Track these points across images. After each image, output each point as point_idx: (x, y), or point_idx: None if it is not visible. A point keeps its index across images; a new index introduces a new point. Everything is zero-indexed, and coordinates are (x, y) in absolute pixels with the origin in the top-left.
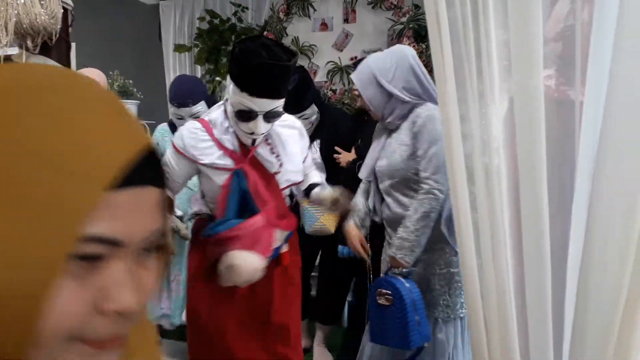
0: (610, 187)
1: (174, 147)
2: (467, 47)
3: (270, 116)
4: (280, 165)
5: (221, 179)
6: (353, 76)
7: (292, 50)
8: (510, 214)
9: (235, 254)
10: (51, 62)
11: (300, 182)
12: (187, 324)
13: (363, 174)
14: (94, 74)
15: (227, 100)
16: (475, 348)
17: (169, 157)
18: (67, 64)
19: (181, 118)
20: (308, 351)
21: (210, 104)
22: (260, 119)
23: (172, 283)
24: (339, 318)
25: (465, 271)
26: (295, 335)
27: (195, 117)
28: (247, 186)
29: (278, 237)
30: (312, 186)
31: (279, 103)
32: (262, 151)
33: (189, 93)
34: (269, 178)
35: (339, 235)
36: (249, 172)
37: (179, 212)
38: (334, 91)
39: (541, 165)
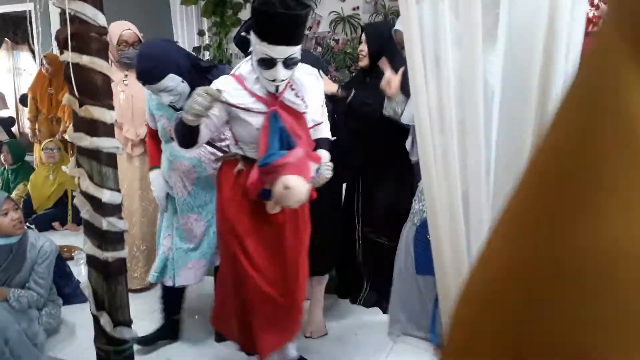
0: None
1: None
2: None
3: (289, 63)
4: (306, 106)
5: (258, 121)
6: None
7: (304, 1)
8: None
9: (290, 177)
10: (89, 8)
11: (322, 123)
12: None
13: (406, 119)
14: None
15: (252, 52)
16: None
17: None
18: (101, 9)
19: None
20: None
21: (185, 70)
22: (280, 65)
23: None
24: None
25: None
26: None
27: (167, 91)
28: (284, 125)
29: (313, 167)
30: (319, 141)
31: (296, 49)
32: (289, 95)
33: (149, 71)
34: (298, 118)
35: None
36: (282, 113)
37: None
38: (337, 41)
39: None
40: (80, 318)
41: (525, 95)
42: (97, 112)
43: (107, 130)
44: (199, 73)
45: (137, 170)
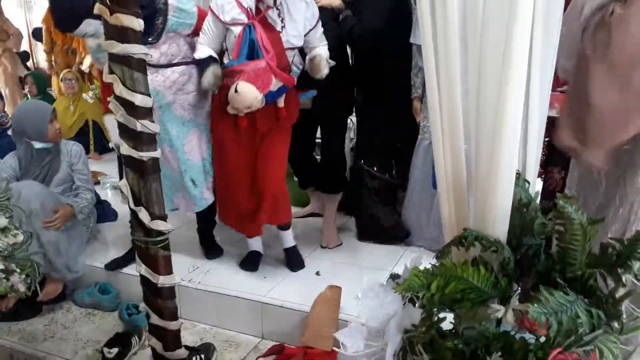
0: None
1: (212, 11)
2: None
3: None
4: (283, 27)
5: (237, 30)
6: None
7: None
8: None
9: (242, 83)
10: None
11: (299, 47)
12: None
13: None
14: None
15: None
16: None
17: (208, 22)
18: None
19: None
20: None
21: None
22: None
23: None
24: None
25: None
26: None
27: (89, 36)
28: (256, 38)
29: (274, 82)
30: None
31: None
32: (271, 13)
33: (62, 19)
34: (274, 36)
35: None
36: (257, 27)
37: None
38: None
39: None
40: (110, 235)
41: None
42: (127, 20)
43: (136, 37)
44: None
45: None
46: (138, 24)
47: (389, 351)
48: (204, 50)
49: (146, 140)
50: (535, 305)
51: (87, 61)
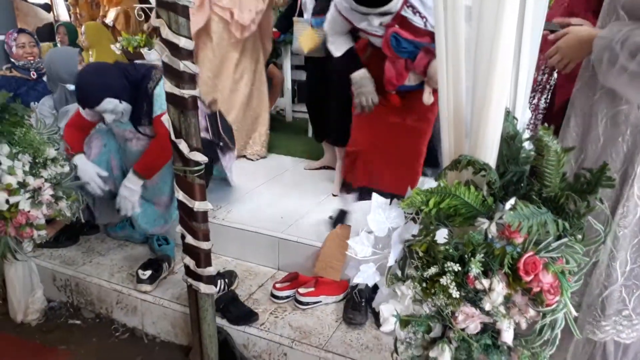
0: None
1: (336, 8)
2: None
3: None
4: (425, 21)
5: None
6: None
7: None
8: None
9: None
10: None
11: None
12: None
13: None
14: None
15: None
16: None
17: (332, 15)
18: None
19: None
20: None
21: (122, 91)
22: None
23: None
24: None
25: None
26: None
27: (107, 112)
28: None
29: (412, 77)
30: None
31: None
32: (405, 13)
33: (85, 98)
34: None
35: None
36: (402, 33)
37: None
38: None
39: None
40: None
41: None
42: None
43: None
44: (136, 86)
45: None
46: None
47: (392, 256)
48: (341, 44)
49: (187, 80)
50: (512, 212)
51: (112, 14)
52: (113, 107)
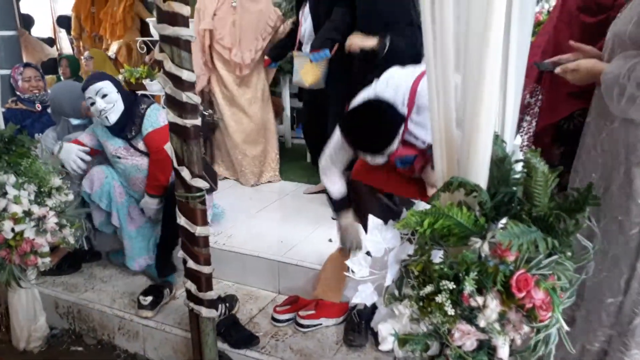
0: None
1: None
2: None
3: None
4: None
5: None
6: None
7: None
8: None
9: None
10: None
11: None
12: None
13: None
14: None
15: None
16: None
17: (337, 141)
18: None
19: (90, 97)
20: None
21: (119, 87)
22: None
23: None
24: None
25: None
26: None
27: (102, 96)
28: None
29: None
30: None
31: None
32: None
33: (95, 76)
34: None
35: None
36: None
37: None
38: None
39: None
40: None
41: None
42: (177, 6)
43: (184, 21)
44: (130, 103)
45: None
46: (186, 10)
47: (389, 276)
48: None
49: (190, 110)
50: (502, 231)
51: (114, 47)
52: (109, 92)
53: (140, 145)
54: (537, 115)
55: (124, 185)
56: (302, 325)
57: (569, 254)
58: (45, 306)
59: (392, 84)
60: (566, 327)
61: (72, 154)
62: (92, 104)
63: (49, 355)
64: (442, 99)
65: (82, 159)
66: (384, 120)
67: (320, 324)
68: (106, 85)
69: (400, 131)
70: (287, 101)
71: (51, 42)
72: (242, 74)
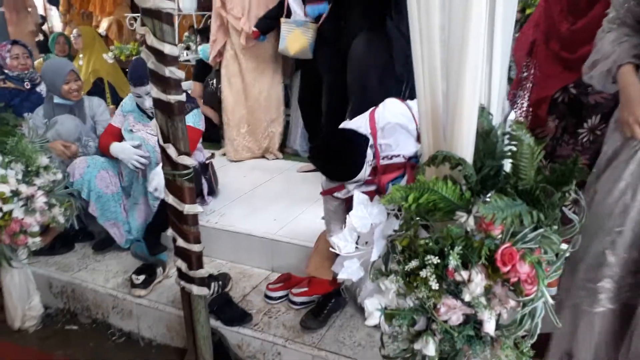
0: None
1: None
2: None
3: None
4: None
5: None
6: None
7: None
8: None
9: None
10: None
11: None
12: None
13: None
14: None
15: None
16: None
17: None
18: None
19: (139, 96)
20: None
21: None
22: None
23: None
24: None
25: None
26: None
27: (150, 97)
28: None
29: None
30: None
31: None
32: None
33: (140, 75)
34: None
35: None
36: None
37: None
38: None
39: None
40: None
41: None
42: None
43: None
44: None
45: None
46: None
47: (375, 252)
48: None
49: (173, 85)
50: (486, 205)
51: (104, 24)
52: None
53: None
54: (530, 90)
55: (116, 171)
56: (294, 303)
57: (555, 227)
58: (39, 286)
59: (351, 125)
60: (551, 301)
61: (131, 154)
62: (139, 96)
63: (44, 334)
64: (427, 69)
65: (140, 156)
66: (349, 142)
67: (313, 301)
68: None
69: (369, 153)
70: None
71: (42, 19)
72: (250, 45)
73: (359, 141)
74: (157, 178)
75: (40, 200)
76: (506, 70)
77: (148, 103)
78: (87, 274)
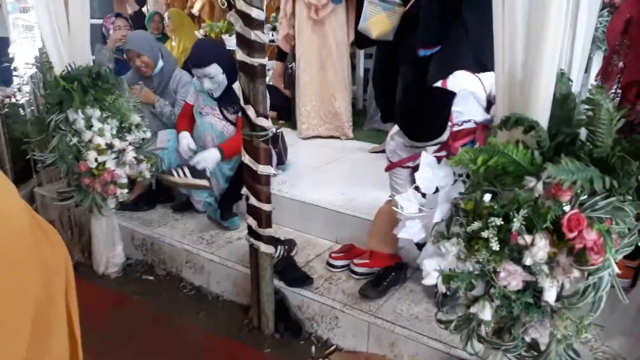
0: None
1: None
2: None
3: None
4: None
5: None
6: None
7: None
8: None
9: None
10: None
11: None
12: None
13: None
14: None
15: None
16: None
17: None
18: None
19: (199, 77)
20: None
21: (226, 67)
22: None
23: None
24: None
25: None
26: None
27: (209, 77)
28: None
29: None
30: None
31: None
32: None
33: (199, 56)
34: None
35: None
36: None
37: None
38: None
39: None
40: None
41: None
42: None
43: None
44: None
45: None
46: None
47: (438, 214)
48: None
49: (257, 49)
50: (555, 166)
51: (197, 4)
52: (215, 74)
53: (227, 114)
54: (621, 71)
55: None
56: (355, 272)
57: (630, 197)
58: (123, 237)
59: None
60: (617, 270)
61: (185, 140)
62: (199, 77)
63: (123, 281)
64: (507, 25)
65: (190, 148)
66: (441, 95)
67: (373, 273)
68: (212, 70)
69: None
70: (360, 62)
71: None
72: (319, 17)
73: (447, 97)
74: (202, 161)
75: (130, 154)
76: (591, 35)
77: (207, 84)
78: (165, 230)
